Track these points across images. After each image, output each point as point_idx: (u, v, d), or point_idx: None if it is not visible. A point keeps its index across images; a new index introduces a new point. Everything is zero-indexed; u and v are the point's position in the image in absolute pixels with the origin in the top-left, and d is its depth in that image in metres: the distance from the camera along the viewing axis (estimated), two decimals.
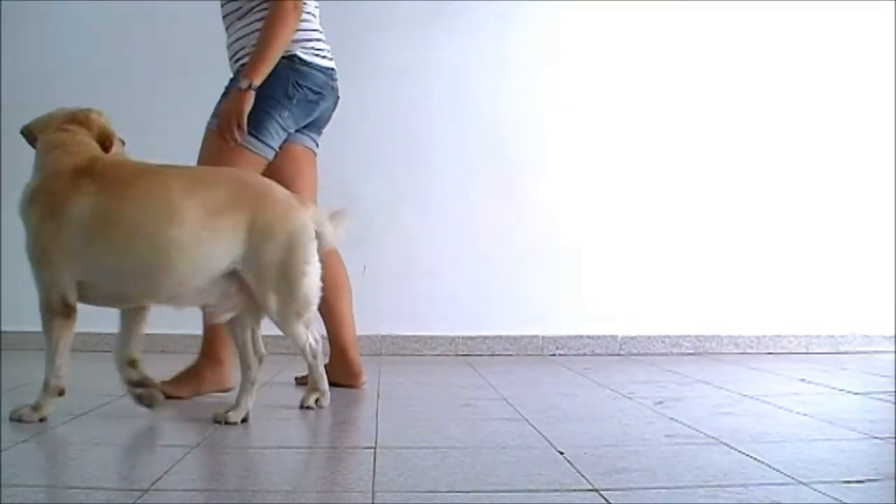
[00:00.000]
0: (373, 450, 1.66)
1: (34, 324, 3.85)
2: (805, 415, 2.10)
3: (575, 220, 3.74)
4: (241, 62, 2.48)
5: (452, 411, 2.26)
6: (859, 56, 3.88)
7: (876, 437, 1.79)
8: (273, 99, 2.42)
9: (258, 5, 2.46)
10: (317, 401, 2.24)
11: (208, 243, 1.92)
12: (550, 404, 2.38)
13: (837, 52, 3.88)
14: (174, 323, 3.72)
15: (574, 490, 1.38)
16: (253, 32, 2.44)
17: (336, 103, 2.72)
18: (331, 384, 2.58)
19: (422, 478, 1.47)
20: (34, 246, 2.00)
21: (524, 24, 3.80)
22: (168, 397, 2.31)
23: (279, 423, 2.03)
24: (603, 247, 3.73)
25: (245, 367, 2.11)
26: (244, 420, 1.95)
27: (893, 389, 2.52)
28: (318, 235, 2.09)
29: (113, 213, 1.94)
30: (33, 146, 2.24)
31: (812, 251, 3.84)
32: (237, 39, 2.54)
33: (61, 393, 2.00)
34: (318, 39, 2.59)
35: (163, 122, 3.80)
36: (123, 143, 2.50)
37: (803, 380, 2.79)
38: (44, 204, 1.98)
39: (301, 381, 2.63)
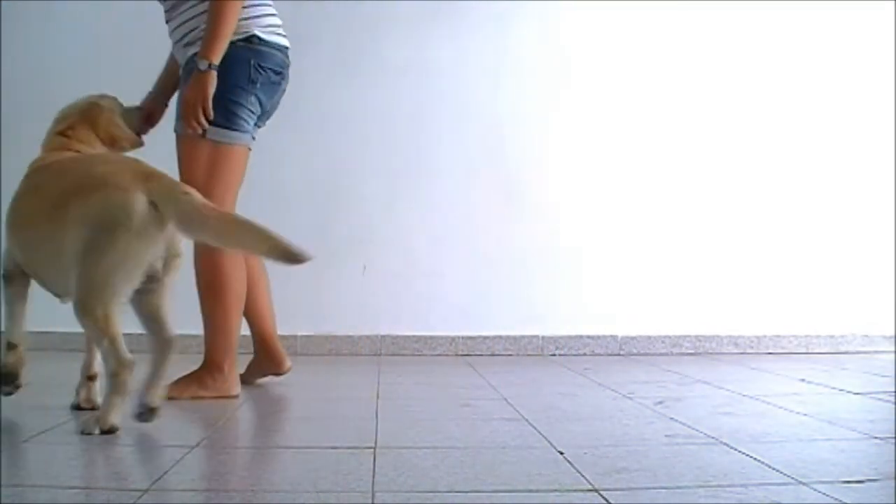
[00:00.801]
0: (373, 450, 1.66)
1: (34, 324, 3.85)
2: (805, 415, 2.10)
3: (575, 220, 3.74)
4: (191, 45, 2.37)
5: (452, 411, 2.26)
6: (859, 56, 3.88)
7: (876, 437, 1.79)
8: (237, 86, 2.33)
9: None
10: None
11: (52, 237, 1.89)
12: (550, 404, 2.38)
13: (837, 52, 3.88)
14: (174, 323, 3.73)
15: (574, 490, 1.38)
16: (202, 13, 2.33)
17: (285, 89, 2.57)
18: (261, 375, 2.63)
19: (422, 478, 1.47)
20: None
21: (524, 24, 3.80)
22: (168, 398, 2.31)
23: (279, 423, 2.03)
24: (603, 247, 3.73)
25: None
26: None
27: (893, 389, 2.52)
28: (159, 217, 1.86)
29: (12, 209, 2.04)
30: None
31: (812, 251, 3.84)
32: (184, 22, 2.42)
33: None
34: (272, 15, 2.46)
35: (163, 121, 3.80)
36: (141, 142, 2.44)
37: (803, 380, 2.79)
38: None
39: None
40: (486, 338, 3.71)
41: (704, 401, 2.42)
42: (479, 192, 3.75)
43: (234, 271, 2.45)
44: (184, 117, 2.31)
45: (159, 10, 4.05)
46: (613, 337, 3.68)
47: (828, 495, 1.32)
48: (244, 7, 2.35)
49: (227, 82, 2.30)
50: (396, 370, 3.14)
